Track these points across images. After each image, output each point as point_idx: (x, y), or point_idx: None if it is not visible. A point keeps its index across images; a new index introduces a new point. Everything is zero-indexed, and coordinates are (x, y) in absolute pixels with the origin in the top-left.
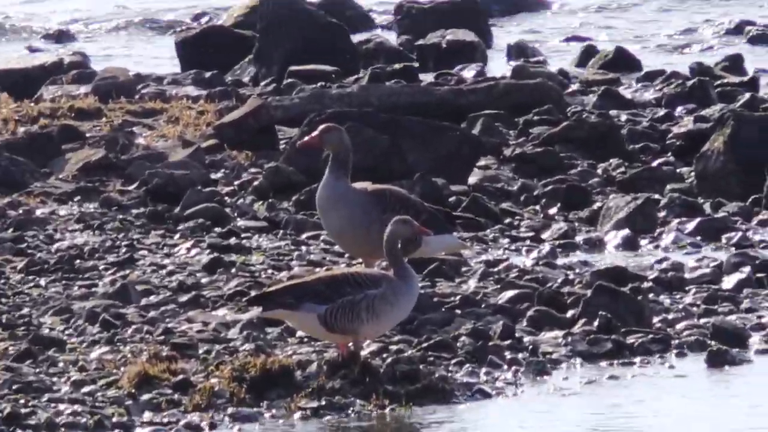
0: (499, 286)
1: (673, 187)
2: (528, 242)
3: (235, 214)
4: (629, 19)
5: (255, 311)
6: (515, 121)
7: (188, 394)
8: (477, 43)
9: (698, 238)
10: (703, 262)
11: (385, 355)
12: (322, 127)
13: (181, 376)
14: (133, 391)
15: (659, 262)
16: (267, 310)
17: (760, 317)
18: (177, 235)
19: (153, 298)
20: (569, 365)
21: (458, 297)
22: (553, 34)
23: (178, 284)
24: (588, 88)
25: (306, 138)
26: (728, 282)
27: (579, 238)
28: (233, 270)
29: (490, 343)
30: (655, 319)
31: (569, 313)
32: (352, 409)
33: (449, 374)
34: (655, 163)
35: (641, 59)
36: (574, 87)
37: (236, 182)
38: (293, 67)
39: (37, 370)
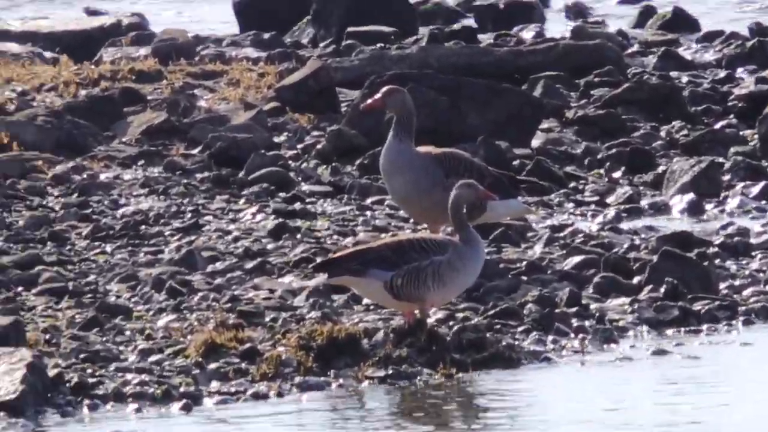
0: (564, 251)
1: (737, 150)
2: (593, 207)
3: (299, 179)
4: None
5: (321, 278)
6: (576, 83)
7: (255, 363)
8: (535, 3)
9: (763, 202)
10: None
11: (451, 323)
12: (385, 89)
13: (248, 345)
14: (200, 360)
15: (725, 227)
16: (333, 277)
17: None
18: (242, 200)
19: (219, 265)
20: (636, 333)
21: (524, 263)
22: None
23: (243, 250)
24: (647, 49)
25: (369, 100)
26: None
27: (644, 203)
28: (298, 236)
29: (557, 311)
30: (722, 286)
31: (635, 279)
32: (419, 377)
33: (516, 342)
34: (717, 126)
35: (699, 19)
36: (633, 48)
37: (299, 146)
38: (351, 28)
39: (104, 338)
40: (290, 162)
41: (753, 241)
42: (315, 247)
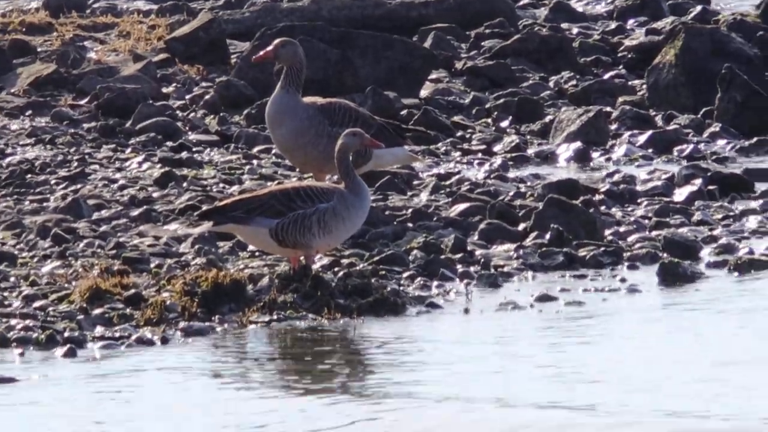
0: (450, 199)
1: (625, 99)
2: (480, 155)
3: (187, 128)
4: None
5: (206, 225)
6: (467, 35)
7: (140, 309)
8: None
9: (650, 150)
10: (654, 175)
11: (336, 269)
12: (277, 41)
13: (132, 291)
14: (85, 305)
15: (611, 174)
16: (218, 225)
17: (711, 229)
18: (128, 150)
19: (104, 213)
20: (521, 278)
21: (410, 210)
22: None
23: (129, 198)
24: (539, 1)
25: (261, 52)
26: (680, 194)
27: (531, 151)
28: (185, 184)
29: (442, 257)
30: (607, 232)
31: (521, 227)
32: (303, 322)
33: (401, 287)
34: (606, 76)
35: None
36: (525, 0)
37: (187, 96)
38: None
39: None
40: (178, 112)
41: (639, 188)
42: (201, 195)
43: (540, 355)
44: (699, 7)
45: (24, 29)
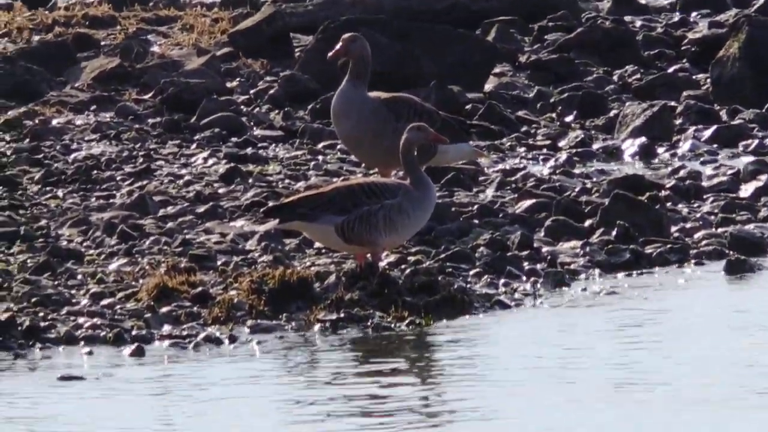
0: (516, 195)
1: (689, 93)
2: (545, 150)
3: (252, 123)
4: None
5: (272, 223)
6: (530, 28)
7: (207, 307)
8: None
9: (715, 145)
10: (720, 170)
11: (403, 266)
12: (346, 36)
13: (199, 289)
14: (152, 303)
15: (676, 170)
16: (284, 222)
17: None
18: (194, 145)
19: (170, 209)
20: (588, 276)
21: (476, 206)
22: None
23: (195, 195)
24: None
25: (333, 50)
26: (746, 190)
27: (596, 146)
28: (250, 180)
29: (509, 254)
30: (673, 229)
31: (587, 223)
32: (371, 321)
33: (468, 285)
34: (670, 70)
35: None
36: None
37: (252, 91)
38: None
39: (56, 282)
40: (242, 107)
41: (704, 184)
42: (267, 191)
43: (612, 356)
44: None
45: (87, 22)
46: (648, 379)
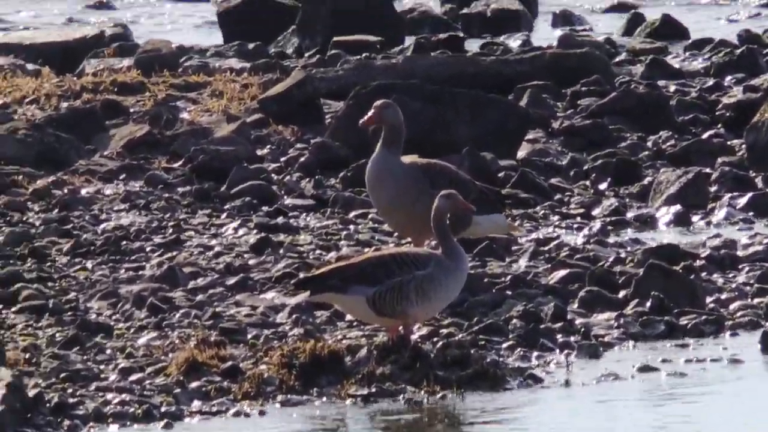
0: (549, 265)
1: (724, 160)
2: (578, 219)
3: (282, 192)
4: None
5: (303, 295)
6: (563, 93)
7: (237, 382)
8: (522, 11)
9: (751, 213)
10: (755, 239)
11: (435, 339)
12: (379, 103)
13: (229, 363)
14: (182, 378)
15: (711, 239)
16: (314, 294)
17: None
18: (224, 215)
19: (200, 281)
20: (621, 348)
21: (509, 277)
22: (599, 2)
23: (225, 266)
24: (635, 58)
25: (365, 117)
26: None
27: (630, 215)
28: (281, 251)
29: (542, 326)
30: (708, 299)
31: (621, 293)
32: (402, 395)
33: (500, 359)
34: (705, 135)
35: (688, 27)
36: (621, 56)
37: (282, 158)
38: (337, 38)
39: (85, 357)
40: (273, 175)
41: (740, 253)
42: (298, 261)
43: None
44: None
45: (116, 89)
46: None
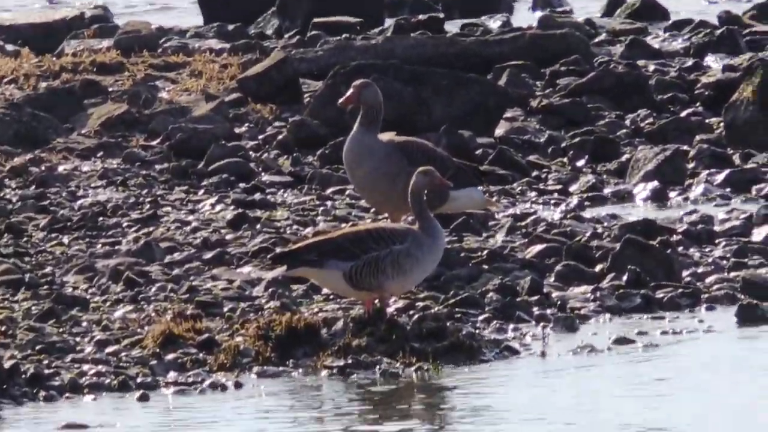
0: (526, 240)
1: (702, 137)
2: (555, 195)
3: (260, 169)
4: None
5: (280, 269)
6: (542, 72)
7: (213, 354)
8: None
9: (728, 189)
10: (732, 215)
11: (411, 312)
12: (358, 82)
13: (205, 335)
14: (158, 350)
15: (688, 214)
16: (291, 268)
17: None
18: (201, 191)
19: (177, 256)
20: (598, 321)
21: (485, 252)
22: None
23: (202, 241)
24: (615, 38)
25: (344, 96)
26: (758, 234)
27: (607, 191)
28: (258, 226)
29: (518, 299)
30: (685, 273)
31: (598, 268)
32: (378, 367)
33: (477, 331)
34: (683, 114)
35: (668, 8)
36: (601, 37)
37: (260, 136)
38: (317, 19)
39: (61, 330)
40: (251, 153)
41: (717, 228)
42: (274, 237)
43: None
44: None
45: (95, 69)
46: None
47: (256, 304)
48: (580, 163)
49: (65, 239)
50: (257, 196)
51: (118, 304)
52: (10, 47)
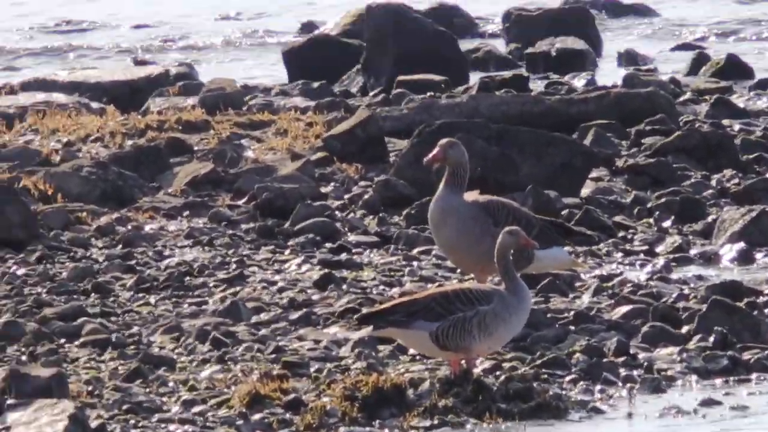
0: (613, 301)
1: None
2: (642, 256)
3: (346, 229)
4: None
5: (366, 329)
6: (627, 132)
7: (300, 414)
8: (587, 51)
9: None
10: None
11: (498, 373)
12: (444, 141)
13: (292, 395)
14: (244, 410)
15: None
16: (378, 329)
17: None
18: (287, 251)
19: (263, 316)
20: (684, 382)
21: (572, 313)
22: (664, 41)
23: (288, 301)
24: (700, 97)
25: (430, 154)
26: None
27: (693, 252)
28: (344, 286)
29: (605, 360)
30: None
31: (684, 329)
32: (465, 428)
33: (563, 392)
34: None
35: (753, 66)
36: (685, 96)
37: (346, 196)
38: (402, 77)
39: (147, 389)
40: (337, 212)
41: None
42: (361, 297)
43: None
44: None
45: (180, 127)
46: None
47: (342, 365)
48: (667, 223)
49: (152, 299)
50: (343, 256)
51: (204, 364)
52: (95, 105)
